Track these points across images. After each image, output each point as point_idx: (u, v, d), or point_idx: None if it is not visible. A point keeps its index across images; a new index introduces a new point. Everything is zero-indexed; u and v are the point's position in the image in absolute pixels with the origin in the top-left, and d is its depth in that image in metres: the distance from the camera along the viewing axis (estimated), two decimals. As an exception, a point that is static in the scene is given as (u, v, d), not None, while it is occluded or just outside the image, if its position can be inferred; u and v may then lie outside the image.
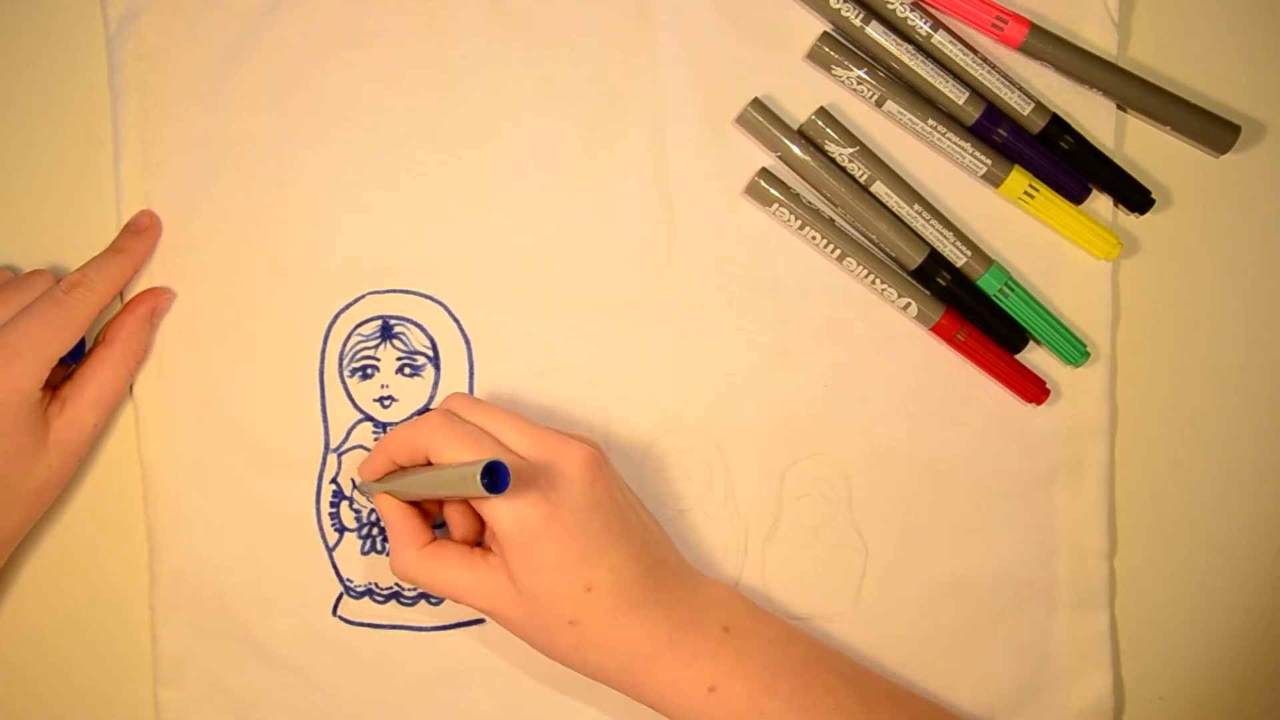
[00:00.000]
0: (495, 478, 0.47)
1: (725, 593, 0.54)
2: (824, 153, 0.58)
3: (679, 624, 0.52)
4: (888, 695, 0.54)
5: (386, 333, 0.59)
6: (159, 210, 0.59)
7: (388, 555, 0.58)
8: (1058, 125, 0.58)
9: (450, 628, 0.58)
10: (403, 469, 0.54)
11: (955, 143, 0.58)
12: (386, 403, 0.58)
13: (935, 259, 0.58)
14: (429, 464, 0.53)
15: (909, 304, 0.58)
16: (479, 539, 0.55)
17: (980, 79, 0.57)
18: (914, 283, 0.58)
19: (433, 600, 0.58)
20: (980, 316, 0.58)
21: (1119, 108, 0.59)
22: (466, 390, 0.58)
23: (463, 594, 0.52)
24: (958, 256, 0.58)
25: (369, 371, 0.59)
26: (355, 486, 0.58)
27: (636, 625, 0.51)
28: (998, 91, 0.57)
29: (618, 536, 0.51)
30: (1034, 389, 0.58)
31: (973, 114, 0.57)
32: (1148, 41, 0.60)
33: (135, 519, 0.59)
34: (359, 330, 0.59)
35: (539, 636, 0.52)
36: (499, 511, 0.50)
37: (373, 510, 0.58)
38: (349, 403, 0.59)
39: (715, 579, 0.55)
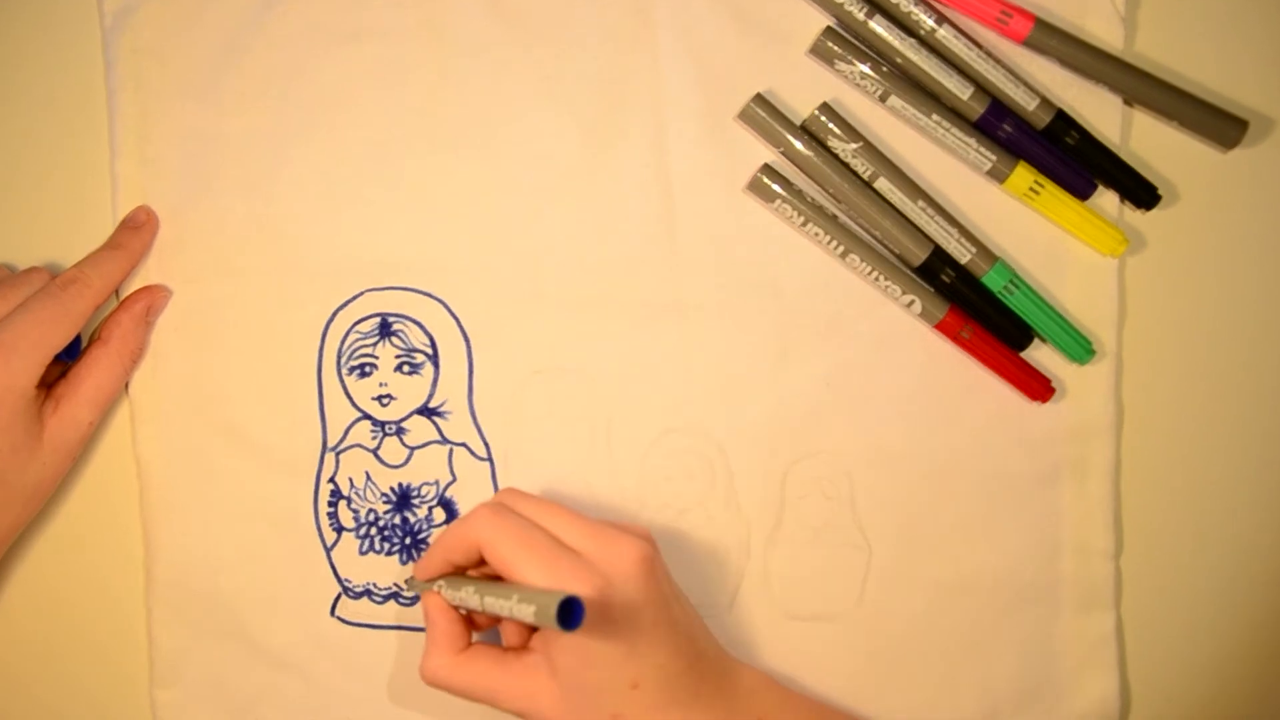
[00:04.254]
0: (570, 613, 0.46)
1: (759, 681, 0.54)
2: (827, 148, 0.58)
3: (716, 718, 0.52)
4: None
5: (385, 330, 0.58)
6: (155, 207, 0.58)
7: (383, 554, 0.58)
8: (1063, 120, 0.57)
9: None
10: (460, 570, 0.54)
11: (960, 138, 0.57)
12: (385, 401, 0.58)
13: (939, 256, 0.57)
14: (482, 562, 0.52)
15: (913, 301, 0.57)
16: (527, 643, 0.54)
17: (985, 74, 0.57)
18: (918, 280, 0.58)
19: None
20: (985, 314, 0.58)
21: (1125, 103, 0.59)
22: (466, 388, 0.58)
23: (498, 696, 0.52)
24: (962, 253, 0.57)
25: (367, 369, 0.58)
26: (406, 583, 0.58)
27: None
28: (1002, 86, 0.57)
29: (665, 632, 0.51)
30: (1039, 387, 0.58)
31: (977, 109, 0.57)
32: (1154, 36, 0.59)
33: (131, 518, 0.59)
34: (357, 328, 0.58)
35: None
36: None
37: (370, 509, 0.58)
38: (347, 401, 0.58)
39: (748, 665, 0.55)
